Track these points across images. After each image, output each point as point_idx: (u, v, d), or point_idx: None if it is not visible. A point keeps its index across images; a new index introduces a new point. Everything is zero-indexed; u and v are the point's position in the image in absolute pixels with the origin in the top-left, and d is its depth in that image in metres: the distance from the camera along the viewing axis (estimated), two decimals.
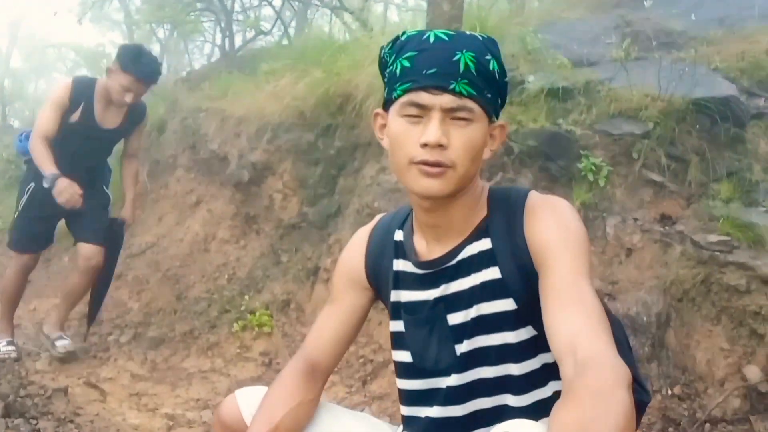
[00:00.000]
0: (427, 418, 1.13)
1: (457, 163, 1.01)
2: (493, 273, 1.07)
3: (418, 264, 1.14)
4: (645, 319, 2.64)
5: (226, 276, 4.13)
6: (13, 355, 3.40)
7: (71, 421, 2.63)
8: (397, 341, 1.19)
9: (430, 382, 1.13)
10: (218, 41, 8.99)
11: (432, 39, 1.02)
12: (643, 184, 3.19)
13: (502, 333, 1.07)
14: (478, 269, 1.08)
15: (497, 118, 1.09)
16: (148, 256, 4.80)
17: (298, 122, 4.00)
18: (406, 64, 1.02)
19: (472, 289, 1.08)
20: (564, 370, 0.87)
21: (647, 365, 2.55)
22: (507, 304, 1.06)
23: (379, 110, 1.13)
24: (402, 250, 1.17)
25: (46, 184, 3.17)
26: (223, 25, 8.21)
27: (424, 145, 1.00)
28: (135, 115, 3.47)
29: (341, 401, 2.86)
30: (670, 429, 2.40)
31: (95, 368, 3.42)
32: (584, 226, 1.07)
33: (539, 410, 1.04)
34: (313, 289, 3.55)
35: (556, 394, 1.04)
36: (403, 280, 1.17)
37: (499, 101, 1.08)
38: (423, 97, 1.00)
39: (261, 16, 9.53)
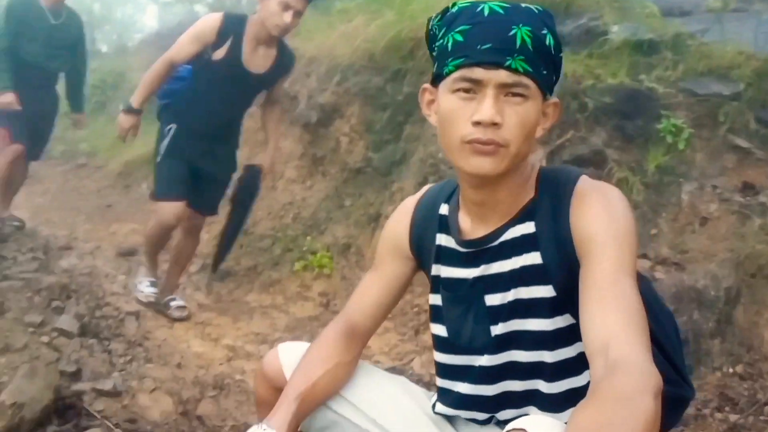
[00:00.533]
0: (458, 392, 1.13)
1: (511, 142, 0.97)
2: (534, 258, 1.04)
3: (461, 242, 1.12)
4: (713, 293, 2.53)
5: (291, 215, 4.22)
6: (153, 298, 3.33)
7: (140, 345, 2.80)
8: (435, 314, 1.18)
9: (463, 359, 1.13)
10: None
11: (486, 12, 0.98)
12: (727, 150, 2.99)
13: (539, 319, 1.04)
14: (519, 252, 1.05)
15: (551, 94, 1.04)
16: None
17: (368, 65, 3.95)
18: (459, 38, 0.98)
19: (512, 272, 1.05)
20: (594, 369, 0.85)
21: (710, 341, 2.46)
22: (546, 291, 1.03)
23: (427, 85, 1.09)
24: (446, 225, 1.15)
25: (121, 106, 3.14)
26: None
27: (477, 123, 0.96)
28: (284, 60, 3.08)
29: (393, 348, 2.92)
30: (727, 407, 2.33)
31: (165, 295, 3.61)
32: (635, 220, 1.01)
33: (571, 398, 1.02)
34: (374, 235, 3.58)
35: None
36: (445, 256, 1.15)
37: (554, 78, 1.03)
38: (477, 73, 0.96)
39: None
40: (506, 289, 1.06)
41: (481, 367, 1.09)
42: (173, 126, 3.06)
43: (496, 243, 1.07)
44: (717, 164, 2.96)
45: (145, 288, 3.40)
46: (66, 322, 2.68)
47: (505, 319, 1.06)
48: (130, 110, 3.07)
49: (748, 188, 2.88)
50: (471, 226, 1.11)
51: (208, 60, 2.94)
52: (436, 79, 1.04)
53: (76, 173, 7.13)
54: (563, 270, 1.01)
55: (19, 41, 3.82)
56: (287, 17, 2.76)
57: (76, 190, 6.57)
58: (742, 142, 2.98)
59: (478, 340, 1.10)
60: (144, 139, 3.64)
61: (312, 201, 4.20)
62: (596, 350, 0.86)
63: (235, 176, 3.34)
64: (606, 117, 3.13)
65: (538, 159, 2.94)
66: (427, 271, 1.19)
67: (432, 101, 1.07)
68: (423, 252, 1.19)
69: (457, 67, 0.98)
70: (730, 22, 3.45)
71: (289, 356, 1.23)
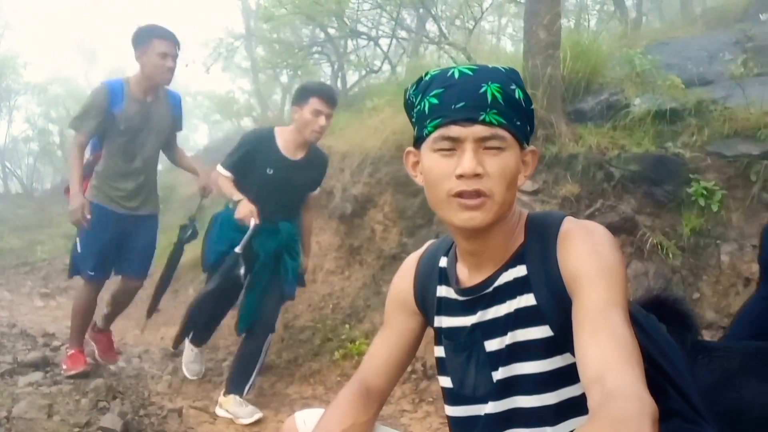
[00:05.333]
0: None
1: (495, 191, 1.02)
2: (528, 300, 1.06)
3: (459, 291, 1.15)
4: None
5: (331, 306, 4.25)
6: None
7: None
8: (441, 367, 1.20)
9: (470, 409, 1.13)
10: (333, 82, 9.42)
11: (457, 75, 1.04)
12: (763, 208, 2.93)
13: (537, 361, 1.05)
14: (512, 296, 1.08)
15: (528, 144, 1.10)
16: None
17: (397, 155, 4.09)
18: (434, 101, 1.04)
19: (507, 315, 1.08)
20: (591, 398, 0.85)
21: None
22: (542, 332, 1.04)
23: (411, 149, 1.15)
24: (445, 277, 1.19)
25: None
26: (336, 66, 8.60)
27: (460, 177, 1.01)
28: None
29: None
30: None
31: (209, 392, 3.62)
32: (621, 254, 1.04)
33: None
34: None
35: None
36: (446, 306, 1.18)
37: (528, 128, 1.09)
38: (454, 130, 1.02)
39: (374, 54, 9.89)
40: (503, 333, 1.08)
41: (486, 416, 1.09)
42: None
43: (490, 289, 1.10)
44: (754, 223, 2.89)
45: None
46: (110, 420, 2.72)
47: (505, 363, 1.07)
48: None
49: None
50: (468, 275, 1.15)
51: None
52: (418, 142, 1.10)
53: None
54: (557, 309, 1.02)
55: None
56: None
57: None
58: None
59: (481, 387, 1.10)
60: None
61: (350, 290, 4.24)
62: (592, 380, 0.87)
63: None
64: (634, 185, 3.13)
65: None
66: (431, 324, 1.22)
67: (417, 163, 1.13)
68: (427, 305, 1.22)
69: (436, 128, 1.04)
70: (753, 86, 3.46)
71: (306, 422, 1.23)
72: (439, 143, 1.04)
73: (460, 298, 1.15)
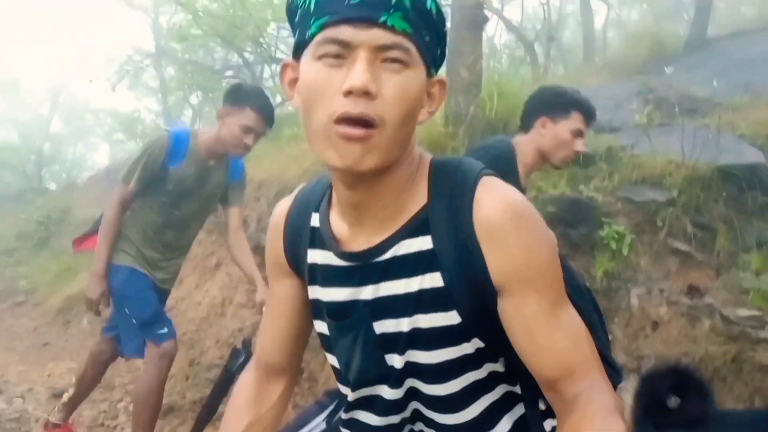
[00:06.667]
0: (366, 424, 0.98)
1: (387, 118, 0.78)
2: (433, 280, 0.87)
3: (341, 254, 0.92)
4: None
5: (241, 341, 4.04)
6: None
7: None
8: (325, 343, 1.01)
9: (364, 392, 0.97)
10: None
11: None
12: (669, 254, 3.07)
13: (442, 350, 0.89)
14: (413, 272, 0.87)
15: (436, 72, 0.88)
16: None
17: None
18: None
19: (407, 296, 0.88)
20: (557, 403, 0.82)
21: None
22: (449, 318, 0.87)
23: (289, 60, 0.89)
24: (319, 239, 0.95)
25: None
26: None
27: (348, 93, 0.77)
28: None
29: None
30: None
31: None
32: (551, 234, 0.89)
33: (487, 417, 0.94)
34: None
35: (506, 396, 0.95)
36: (323, 275, 0.95)
37: (438, 52, 0.87)
38: (346, 32, 0.78)
39: None
40: (401, 315, 0.89)
41: (383, 400, 0.95)
42: None
43: (383, 258, 0.89)
44: (662, 268, 3.02)
45: None
46: None
47: (402, 351, 0.91)
48: None
49: (693, 290, 2.92)
50: (349, 234, 0.92)
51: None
52: (298, 50, 0.85)
53: (13, 312, 6.79)
54: (468, 293, 0.86)
55: None
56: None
57: (11, 329, 6.21)
58: (682, 246, 3.07)
59: (372, 371, 0.94)
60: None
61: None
62: (554, 384, 0.82)
63: None
64: (551, 226, 3.19)
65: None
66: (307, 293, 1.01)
67: (294, 81, 0.87)
68: (300, 270, 1.00)
69: (322, 27, 0.79)
70: (657, 136, 3.66)
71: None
72: (325, 47, 0.79)
73: (341, 264, 0.92)
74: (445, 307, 0.87)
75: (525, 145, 2.21)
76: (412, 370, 0.92)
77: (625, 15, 15.86)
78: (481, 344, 0.89)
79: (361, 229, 0.91)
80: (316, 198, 0.98)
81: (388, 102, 0.78)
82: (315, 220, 0.97)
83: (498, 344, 0.89)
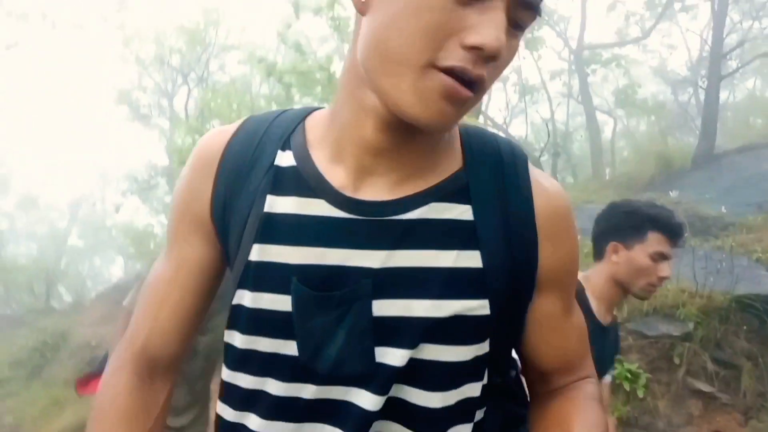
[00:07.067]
0: None
1: (487, 85, 0.63)
2: (470, 258, 0.68)
3: (342, 201, 0.69)
4: None
5: None
6: None
7: None
8: (271, 324, 0.70)
9: (330, 393, 0.69)
10: None
11: None
12: (690, 395, 2.79)
13: (463, 346, 0.68)
14: (447, 245, 0.68)
15: None
16: None
17: None
18: None
19: (435, 272, 0.67)
20: (537, 386, 0.80)
21: None
22: (480, 308, 0.68)
23: None
24: (291, 182, 0.71)
25: None
26: None
27: (473, 48, 0.59)
28: None
29: None
30: None
31: None
32: None
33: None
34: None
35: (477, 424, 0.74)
36: (294, 229, 0.70)
37: None
38: None
39: None
40: (420, 295, 0.67)
41: (356, 409, 0.68)
42: None
43: (405, 217, 0.68)
44: (682, 412, 2.73)
45: None
46: None
47: (413, 343, 0.67)
48: None
49: None
50: (348, 181, 0.70)
51: None
52: None
53: None
54: (507, 283, 0.69)
55: None
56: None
57: None
58: (703, 386, 2.79)
59: (352, 366, 0.68)
60: (75, 407, 3.29)
61: None
62: (548, 373, 0.78)
63: None
64: None
65: None
66: (234, 254, 0.73)
67: None
68: (231, 224, 0.74)
69: None
70: None
71: None
72: None
73: (342, 215, 0.68)
74: (476, 295, 0.68)
75: (597, 277, 1.84)
76: (413, 371, 0.68)
77: (634, 125, 16.15)
78: (487, 350, 0.70)
79: (373, 179, 0.69)
80: (279, 134, 0.75)
81: (497, 68, 0.63)
82: (284, 160, 0.73)
83: (499, 353, 0.74)
